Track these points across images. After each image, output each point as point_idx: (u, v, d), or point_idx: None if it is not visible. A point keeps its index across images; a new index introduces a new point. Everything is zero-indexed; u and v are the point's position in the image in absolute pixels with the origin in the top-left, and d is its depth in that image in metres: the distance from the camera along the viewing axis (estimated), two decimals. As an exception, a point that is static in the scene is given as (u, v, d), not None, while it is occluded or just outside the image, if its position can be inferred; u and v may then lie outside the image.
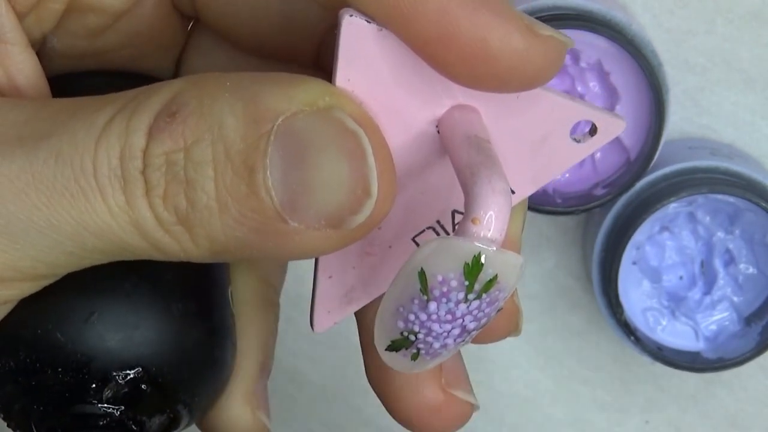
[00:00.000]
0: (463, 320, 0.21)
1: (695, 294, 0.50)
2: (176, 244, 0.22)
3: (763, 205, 0.45)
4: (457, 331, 0.22)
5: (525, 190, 0.25)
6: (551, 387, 0.56)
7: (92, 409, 0.24)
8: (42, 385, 0.24)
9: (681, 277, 0.50)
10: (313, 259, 0.25)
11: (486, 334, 0.26)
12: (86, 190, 0.21)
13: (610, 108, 0.45)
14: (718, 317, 0.50)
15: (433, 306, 0.21)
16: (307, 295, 0.25)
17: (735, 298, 0.50)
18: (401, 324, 0.22)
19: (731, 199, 0.47)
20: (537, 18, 0.43)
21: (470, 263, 0.21)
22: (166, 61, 0.29)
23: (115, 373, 0.24)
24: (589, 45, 0.44)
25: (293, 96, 0.21)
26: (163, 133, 0.21)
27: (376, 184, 0.21)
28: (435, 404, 0.26)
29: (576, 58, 0.45)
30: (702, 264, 0.50)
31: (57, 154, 0.21)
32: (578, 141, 0.24)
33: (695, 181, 0.46)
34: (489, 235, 0.21)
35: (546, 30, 0.22)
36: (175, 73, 0.30)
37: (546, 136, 0.24)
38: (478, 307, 0.21)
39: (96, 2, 0.27)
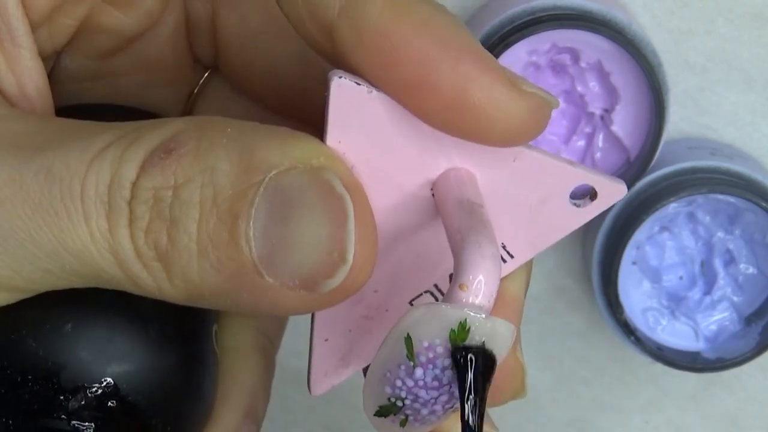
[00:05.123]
0: (451, 387, 0.21)
1: (695, 294, 0.50)
2: (152, 281, 0.22)
3: (763, 205, 0.45)
4: (445, 398, 0.21)
5: (524, 255, 0.24)
6: (551, 387, 0.56)
7: (61, 425, 0.23)
8: (11, 395, 0.23)
9: (681, 277, 0.50)
10: (309, 319, 0.25)
11: (489, 398, 0.25)
12: (70, 210, 0.21)
13: (610, 108, 0.45)
14: (718, 317, 0.50)
15: (419, 372, 0.21)
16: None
17: (735, 298, 0.50)
18: (388, 390, 0.21)
19: (731, 199, 0.47)
20: (537, 17, 0.43)
21: (456, 330, 0.20)
22: (175, 97, 0.29)
23: (84, 385, 0.23)
24: (589, 45, 0.44)
25: (289, 152, 0.21)
26: (156, 168, 0.21)
27: (353, 251, 0.21)
28: None
29: (576, 58, 0.45)
30: (702, 264, 0.50)
31: (48, 170, 0.21)
32: (578, 206, 0.24)
33: (695, 181, 0.46)
34: (477, 302, 0.21)
35: (530, 87, 0.22)
36: (186, 113, 0.30)
37: (545, 200, 0.24)
38: None
39: (109, 24, 0.27)
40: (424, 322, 0.21)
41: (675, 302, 0.50)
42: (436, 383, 0.21)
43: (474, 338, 0.20)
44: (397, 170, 0.23)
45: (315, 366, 0.25)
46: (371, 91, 0.22)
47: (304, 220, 0.21)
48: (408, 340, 0.21)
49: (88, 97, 0.28)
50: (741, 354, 0.48)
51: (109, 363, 0.24)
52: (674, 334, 0.50)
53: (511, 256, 0.24)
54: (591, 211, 0.24)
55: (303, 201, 0.21)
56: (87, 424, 0.23)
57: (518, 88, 0.21)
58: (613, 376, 0.55)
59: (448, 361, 0.21)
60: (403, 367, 0.21)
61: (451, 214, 0.22)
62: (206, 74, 0.29)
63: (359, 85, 0.22)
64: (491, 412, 0.26)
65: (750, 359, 0.48)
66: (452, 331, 0.20)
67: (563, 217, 0.24)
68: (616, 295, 0.47)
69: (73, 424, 0.23)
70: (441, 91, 0.21)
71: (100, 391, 0.24)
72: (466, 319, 0.20)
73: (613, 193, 0.24)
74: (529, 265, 0.25)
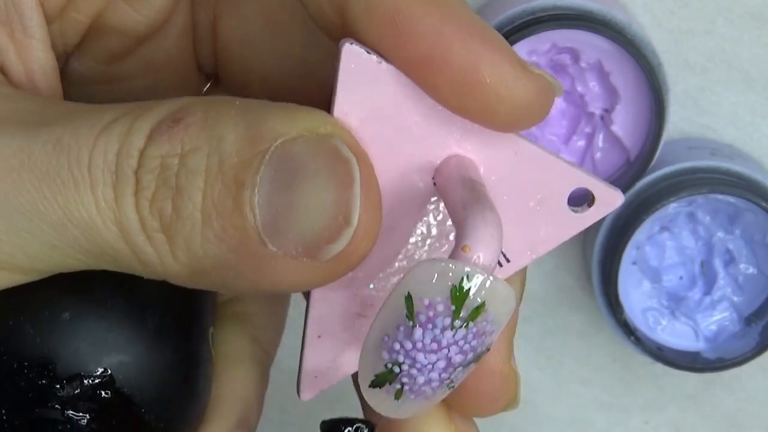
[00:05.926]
0: (449, 351, 0.21)
1: (695, 294, 0.50)
2: (155, 255, 0.22)
3: (763, 205, 0.45)
4: (442, 364, 0.21)
5: (521, 260, 0.25)
6: (551, 387, 0.56)
7: (55, 414, 0.23)
8: (6, 382, 0.23)
9: (681, 277, 0.50)
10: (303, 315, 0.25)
11: (481, 406, 0.25)
12: (78, 179, 0.21)
13: (610, 108, 0.45)
14: (718, 317, 0.50)
15: (418, 332, 0.21)
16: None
17: (735, 298, 0.50)
18: (386, 355, 0.21)
19: (731, 199, 0.47)
20: (537, 17, 0.43)
21: (457, 286, 0.20)
22: None
23: (81, 374, 0.23)
24: (589, 45, 0.44)
25: (296, 121, 0.21)
26: (163, 137, 0.21)
27: (357, 213, 0.21)
28: None
29: (576, 58, 0.45)
30: (702, 264, 0.50)
31: (57, 141, 0.22)
32: (576, 211, 0.24)
33: (695, 181, 0.46)
34: (479, 262, 0.21)
35: (536, 69, 0.22)
36: None
37: (543, 200, 0.24)
38: (464, 338, 0.21)
39: (119, 24, 0.27)
40: (425, 279, 0.21)
41: (675, 302, 0.50)
42: (434, 345, 0.21)
43: (475, 297, 0.20)
44: (401, 150, 0.23)
45: (306, 366, 0.25)
46: (381, 62, 0.22)
47: (309, 186, 0.21)
48: (408, 298, 0.21)
49: (95, 101, 0.28)
50: (741, 354, 0.48)
51: (106, 353, 0.24)
52: (674, 334, 0.50)
53: (508, 260, 0.24)
54: (588, 217, 0.24)
55: (309, 168, 0.21)
56: (81, 414, 0.23)
57: (526, 68, 0.22)
58: (613, 376, 0.55)
59: (448, 321, 0.21)
60: (402, 329, 0.21)
61: (454, 190, 0.22)
62: (208, 84, 0.30)
63: (369, 53, 0.22)
64: (485, 421, 0.26)
65: (750, 359, 0.48)
66: (453, 287, 0.20)
67: (560, 222, 0.24)
68: (616, 295, 0.47)
69: (67, 414, 0.23)
70: (451, 66, 0.21)
71: (95, 380, 0.24)
72: (467, 275, 0.20)
73: (610, 199, 0.24)
74: (523, 274, 0.25)
